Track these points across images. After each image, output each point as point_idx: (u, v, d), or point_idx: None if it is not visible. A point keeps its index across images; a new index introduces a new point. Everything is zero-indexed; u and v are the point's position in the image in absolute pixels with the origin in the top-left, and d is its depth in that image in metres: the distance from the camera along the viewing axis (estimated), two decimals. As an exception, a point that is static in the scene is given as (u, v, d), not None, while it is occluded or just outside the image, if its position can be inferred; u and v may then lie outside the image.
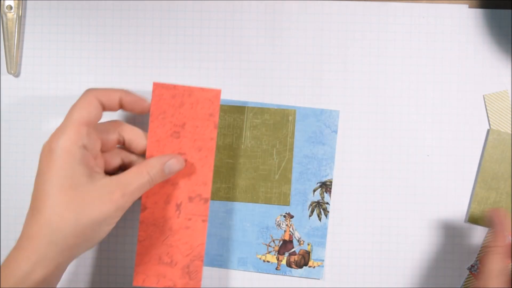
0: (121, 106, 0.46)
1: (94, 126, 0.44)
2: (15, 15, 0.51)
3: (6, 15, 0.51)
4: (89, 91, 0.45)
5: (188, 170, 0.47)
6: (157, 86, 0.47)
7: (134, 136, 0.47)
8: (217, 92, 0.47)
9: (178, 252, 0.47)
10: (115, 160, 0.47)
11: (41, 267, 0.40)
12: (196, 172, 0.47)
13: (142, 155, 0.48)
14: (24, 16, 0.52)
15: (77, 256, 0.44)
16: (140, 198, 0.47)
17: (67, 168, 0.41)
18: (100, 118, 0.45)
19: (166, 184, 0.47)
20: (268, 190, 0.51)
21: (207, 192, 0.47)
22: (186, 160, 0.47)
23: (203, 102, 0.47)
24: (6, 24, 0.51)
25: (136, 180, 0.43)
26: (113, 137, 0.47)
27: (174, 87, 0.46)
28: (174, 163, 0.46)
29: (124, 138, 0.47)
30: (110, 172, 0.47)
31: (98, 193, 0.42)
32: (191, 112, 0.47)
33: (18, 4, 0.51)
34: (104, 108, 0.45)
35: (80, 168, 0.42)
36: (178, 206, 0.47)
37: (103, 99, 0.44)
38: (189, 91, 0.47)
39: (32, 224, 0.41)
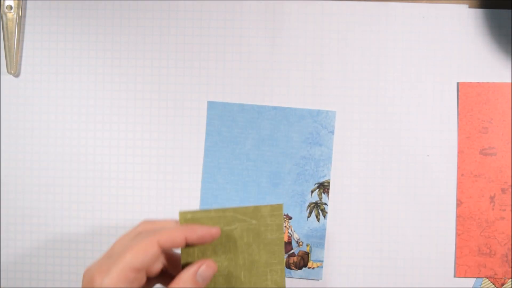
0: (187, 244, 0.42)
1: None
2: (15, 15, 0.51)
3: (6, 15, 0.51)
4: (151, 234, 0.40)
5: (499, 162, 0.50)
6: (463, 85, 0.50)
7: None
8: None
9: (496, 243, 0.50)
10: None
11: None
12: (509, 165, 0.50)
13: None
14: (24, 16, 0.53)
15: None
16: None
17: None
18: (155, 261, 0.41)
19: (479, 178, 0.50)
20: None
21: None
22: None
23: (508, 96, 0.49)
24: (6, 24, 0.51)
25: None
26: (158, 266, 0.42)
27: (479, 84, 0.49)
28: (205, 270, 0.42)
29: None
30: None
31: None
32: (497, 107, 0.50)
33: (18, 4, 0.52)
34: (164, 250, 0.41)
35: None
36: (492, 198, 0.50)
37: (166, 245, 0.40)
38: (493, 87, 0.50)
39: None
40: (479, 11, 0.52)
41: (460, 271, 0.51)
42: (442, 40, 0.52)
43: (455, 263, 0.52)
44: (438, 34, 0.52)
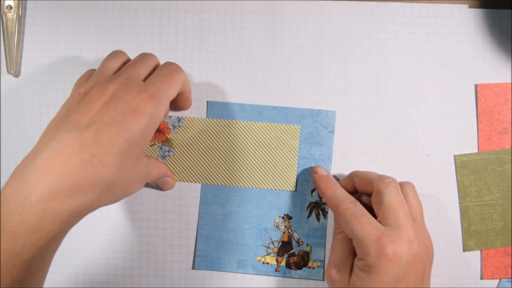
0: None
1: None
2: (15, 15, 0.51)
3: (6, 15, 0.51)
4: (179, 70, 0.46)
5: None
6: (481, 87, 0.49)
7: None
8: None
9: None
10: None
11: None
12: None
13: None
14: (24, 16, 0.53)
15: None
16: None
17: (148, 138, 0.42)
18: None
19: None
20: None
21: None
22: None
23: None
24: (6, 24, 0.51)
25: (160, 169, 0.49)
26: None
27: (497, 85, 0.49)
28: (170, 182, 0.51)
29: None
30: None
31: (143, 170, 0.45)
32: None
33: (18, 4, 0.52)
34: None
35: (148, 139, 0.43)
36: None
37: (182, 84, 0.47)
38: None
39: (88, 173, 0.38)
40: (479, 11, 0.52)
41: (487, 273, 0.52)
42: (442, 40, 0.52)
43: (482, 265, 0.52)
44: (438, 34, 0.52)
